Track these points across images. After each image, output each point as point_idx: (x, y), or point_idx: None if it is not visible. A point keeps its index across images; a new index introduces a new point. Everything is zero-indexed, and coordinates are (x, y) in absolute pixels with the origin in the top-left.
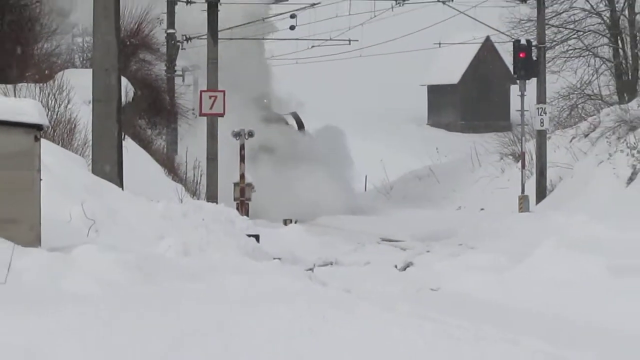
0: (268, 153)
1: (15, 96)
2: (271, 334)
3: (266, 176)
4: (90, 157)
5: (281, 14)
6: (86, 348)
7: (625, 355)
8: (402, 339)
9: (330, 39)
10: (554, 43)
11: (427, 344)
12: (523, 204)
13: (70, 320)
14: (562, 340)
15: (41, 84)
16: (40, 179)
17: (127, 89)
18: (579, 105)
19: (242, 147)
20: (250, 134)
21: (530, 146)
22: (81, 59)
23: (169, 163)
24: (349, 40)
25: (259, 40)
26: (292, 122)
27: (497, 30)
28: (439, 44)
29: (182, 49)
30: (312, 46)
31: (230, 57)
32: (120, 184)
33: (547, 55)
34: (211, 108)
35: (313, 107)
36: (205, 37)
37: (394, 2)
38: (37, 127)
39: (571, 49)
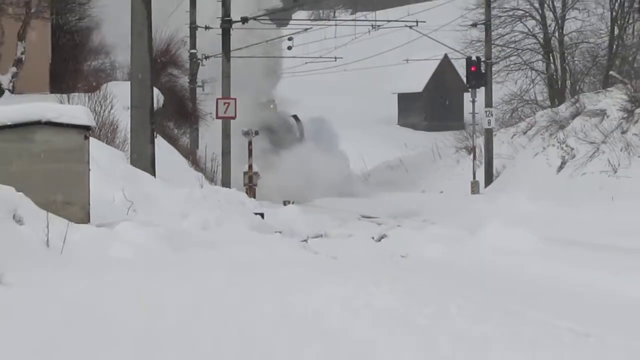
0: (273, 147)
1: (69, 103)
2: (274, 290)
3: (272, 166)
4: (129, 151)
5: (282, 37)
6: (126, 298)
7: (551, 304)
8: (379, 294)
9: (320, 57)
10: (499, 59)
11: (397, 297)
12: (474, 188)
13: (114, 278)
14: (506, 294)
15: (90, 94)
16: (89, 170)
17: (158, 97)
18: (519, 109)
19: (250, 143)
20: (257, 133)
21: (480, 141)
22: (121, 74)
23: (191, 156)
24: (335, 58)
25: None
26: (294, 122)
27: (453, 49)
28: (407, 60)
29: (202, 65)
30: (306, 62)
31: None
32: (153, 173)
33: (493, 69)
34: (225, 112)
35: (306, 110)
36: (220, 55)
37: (371, 27)
38: (87, 128)
39: (512, 64)
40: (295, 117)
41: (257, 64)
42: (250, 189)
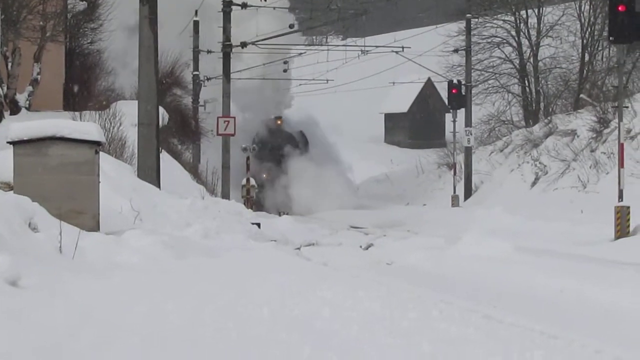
0: (279, 162)
1: (81, 120)
2: (270, 294)
3: (278, 180)
4: (136, 165)
5: (277, 60)
6: (132, 301)
7: (524, 308)
8: (366, 297)
9: (313, 79)
10: (478, 82)
11: (383, 301)
12: (455, 201)
13: (121, 282)
14: (483, 299)
15: (100, 111)
16: (99, 182)
17: (163, 115)
18: (496, 129)
19: (247, 158)
20: (254, 149)
21: (460, 158)
22: (129, 93)
23: (194, 170)
24: (327, 80)
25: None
26: (300, 138)
27: (436, 73)
28: (393, 82)
29: (204, 86)
30: (300, 84)
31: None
32: (158, 185)
33: (472, 92)
34: (225, 129)
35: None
36: (221, 77)
37: (360, 52)
38: (97, 143)
39: (490, 87)
40: (301, 132)
41: (268, 84)
42: (248, 201)
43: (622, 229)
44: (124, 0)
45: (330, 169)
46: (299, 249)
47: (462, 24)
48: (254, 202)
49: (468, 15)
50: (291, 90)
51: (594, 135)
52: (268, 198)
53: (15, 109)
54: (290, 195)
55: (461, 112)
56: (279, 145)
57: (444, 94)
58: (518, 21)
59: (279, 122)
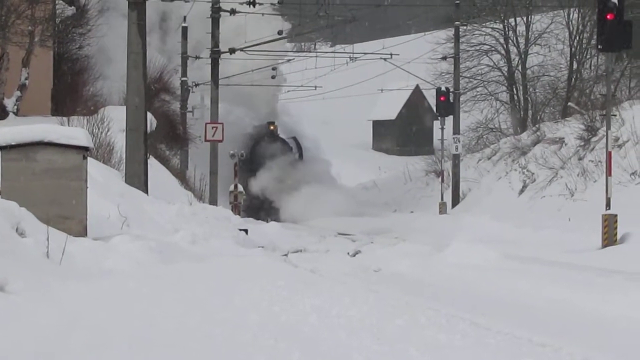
0: (273, 168)
1: (69, 125)
2: (257, 300)
3: (272, 187)
4: (124, 171)
5: (266, 67)
6: (120, 306)
7: (512, 316)
8: (353, 305)
9: (302, 86)
10: (466, 90)
11: (370, 308)
12: (442, 208)
13: (108, 288)
14: (471, 306)
15: (88, 117)
16: (87, 187)
17: (151, 121)
18: (484, 136)
19: (235, 165)
20: (242, 155)
21: (448, 166)
22: (118, 99)
23: (182, 176)
24: (315, 87)
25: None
26: (293, 144)
27: (424, 80)
28: (381, 89)
29: (192, 92)
30: (288, 90)
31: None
32: (145, 191)
33: (460, 99)
34: (213, 136)
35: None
36: (209, 83)
37: (349, 59)
38: (85, 149)
39: (478, 94)
40: (294, 138)
41: (258, 90)
42: (236, 207)
43: (609, 237)
44: (112, 6)
45: (324, 176)
46: (286, 255)
47: (450, 32)
48: (244, 209)
49: (457, 22)
50: (280, 96)
51: (582, 144)
52: (261, 205)
53: (3, 114)
54: (285, 202)
55: (449, 120)
56: (272, 151)
57: (432, 102)
58: (506, 29)
59: (272, 127)
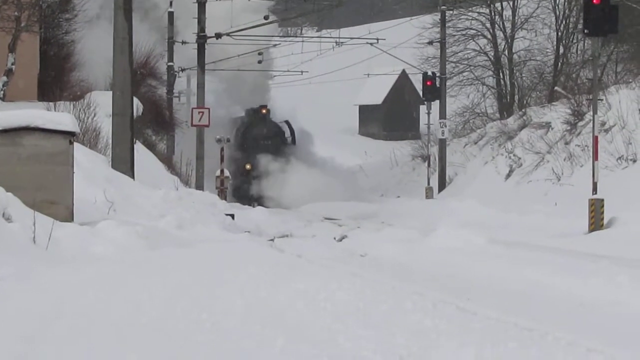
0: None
1: (55, 111)
2: (244, 286)
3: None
4: (110, 156)
5: (251, 52)
6: (106, 292)
7: (498, 300)
8: (339, 289)
9: (288, 71)
10: (453, 74)
11: (356, 293)
12: (429, 193)
13: (95, 273)
14: (457, 291)
15: (75, 102)
16: (73, 172)
17: (137, 106)
18: (470, 121)
19: (222, 149)
20: (228, 140)
21: (434, 150)
22: (104, 84)
23: (168, 161)
24: (301, 72)
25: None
26: (286, 128)
27: (411, 65)
28: (368, 74)
29: (178, 77)
30: (274, 76)
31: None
32: (132, 176)
33: (447, 84)
34: (199, 121)
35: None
36: (196, 68)
37: (335, 43)
38: (71, 134)
39: (465, 79)
40: (287, 122)
41: (249, 74)
42: (222, 192)
43: (596, 222)
44: None
45: (319, 161)
46: (272, 240)
47: (436, 16)
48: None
49: (443, 7)
50: (268, 81)
51: (569, 128)
52: (251, 189)
53: None
54: (279, 187)
55: (435, 104)
56: (265, 135)
57: (418, 86)
58: (493, 13)
59: (264, 111)
